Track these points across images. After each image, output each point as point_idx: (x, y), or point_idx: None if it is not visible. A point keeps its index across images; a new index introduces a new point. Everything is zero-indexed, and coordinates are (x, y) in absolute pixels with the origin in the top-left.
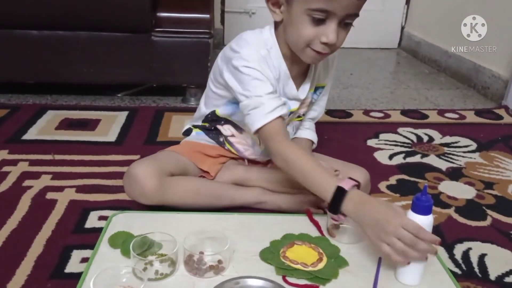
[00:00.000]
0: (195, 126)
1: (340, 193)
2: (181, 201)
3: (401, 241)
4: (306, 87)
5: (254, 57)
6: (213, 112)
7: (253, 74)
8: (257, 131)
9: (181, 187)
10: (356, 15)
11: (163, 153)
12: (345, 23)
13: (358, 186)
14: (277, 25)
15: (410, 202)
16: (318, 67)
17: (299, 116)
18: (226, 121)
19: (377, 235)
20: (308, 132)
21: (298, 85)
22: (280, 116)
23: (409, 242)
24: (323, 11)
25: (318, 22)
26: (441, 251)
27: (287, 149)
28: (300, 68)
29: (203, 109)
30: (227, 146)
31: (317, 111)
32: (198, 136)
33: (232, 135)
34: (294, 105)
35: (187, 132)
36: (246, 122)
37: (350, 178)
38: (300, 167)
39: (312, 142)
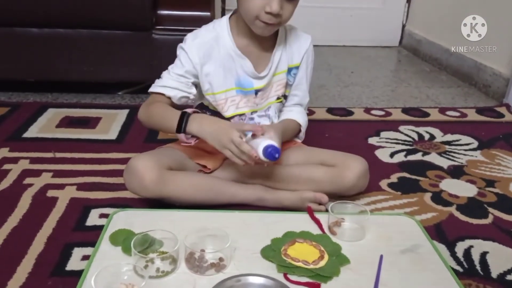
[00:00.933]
0: None
1: (183, 116)
2: (180, 195)
3: (231, 153)
4: (270, 66)
5: (190, 40)
6: (201, 104)
7: (180, 54)
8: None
9: (181, 181)
10: None
11: (162, 148)
12: None
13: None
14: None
15: (412, 200)
16: (288, 46)
17: (278, 98)
18: (214, 112)
19: (217, 144)
20: (294, 115)
21: (262, 65)
22: (163, 94)
23: (236, 153)
24: None
25: None
26: (443, 249)
27: (149, 107)
28: (263, 46)
29: (196, 104)
30: None
31: (299, 96)
32: None
33: None
34: (258, 84)
35: None
36: None
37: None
38: (157, 113)
39: (298, 123)
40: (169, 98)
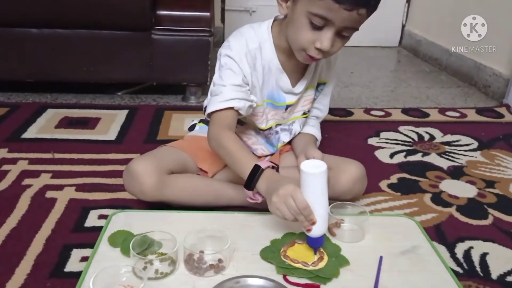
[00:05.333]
0: (200, 121)
1: (255, 170)
2: (179, 199)
3: (286, 208)
4: (303, 83)
5: (238, 49)
6: None
7: (229, 63)
8: (209, 116)
9: (180, 185)
10: (355, 29)
11: (163, 148)
12: (342, 35)
13: (275, 168)
14: (277, 18)
15: (411, 201)
16: (320, 63)
17: (304, 113)
18: (243, 124)
19: (270, 199)
20: (311, 129)
21: (295, 80)
22: (232, 108)
23: (292, 211)
24: (322, 18)
25: (316, 27)
26: (443, 250)
27: (222, 135)
28: (299, 63)
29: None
30: None
31: (321, 110)
32: (201, 130)
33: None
34: (290, 99)
35: (192, 128)
36: (206, 105)
37: (271, 162)
38: (229, 150)
39: (316, 138)
40: (237, 111)
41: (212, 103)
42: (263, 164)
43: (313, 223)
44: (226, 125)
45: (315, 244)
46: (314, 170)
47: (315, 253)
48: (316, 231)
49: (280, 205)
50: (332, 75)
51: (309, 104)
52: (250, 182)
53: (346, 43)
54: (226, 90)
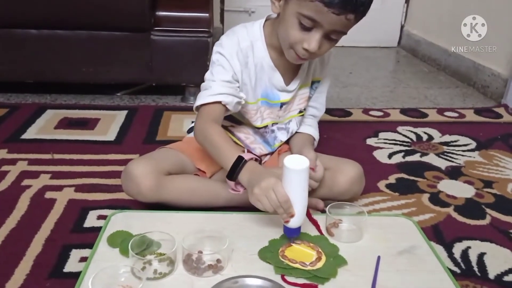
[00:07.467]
0: None
1: (238, 161)
2: (177, 200)
3: (267, 200)
4: (297, 80)
5: (230, 46)
6: None
7: (220, 60)
8: (197, 109)
9: (178, 186)
10: (343, 33)
11: (161, 150)
12: (330, 37)
13: (258, 161)
14: (270, 17)
15: (409, 201)
16: (313, 61)
17: (300, 111)
18: (237, 121)
19: (251, 191)
20: (309, 129)
21: (289, 78)
22: (220, 102)
23: (273, 204)
24: (311, 19)
25: (305, 28)
26: (440, 250)
27: (208, 128)
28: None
29: None
30: (228, 134)
31: (317, 108)
32: None
33: (232, 126)
34: (284, 97)
35: (190, 130)
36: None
37: (254, 154)
38: (214, 142)
39: (314, 138)
40: (224, 106)
41: (201, 97)
42: (246, 155)
43: (292, 216)
44: (212, 119)
45: (291, 234)
46: (296, 167)
47: (290, 242)
48: (294, 223)
49: (261, 197)
50: (326, 73)
51: (304, 102)
52: (233, 173)
53: (334, 45)
54: (215, 85)
